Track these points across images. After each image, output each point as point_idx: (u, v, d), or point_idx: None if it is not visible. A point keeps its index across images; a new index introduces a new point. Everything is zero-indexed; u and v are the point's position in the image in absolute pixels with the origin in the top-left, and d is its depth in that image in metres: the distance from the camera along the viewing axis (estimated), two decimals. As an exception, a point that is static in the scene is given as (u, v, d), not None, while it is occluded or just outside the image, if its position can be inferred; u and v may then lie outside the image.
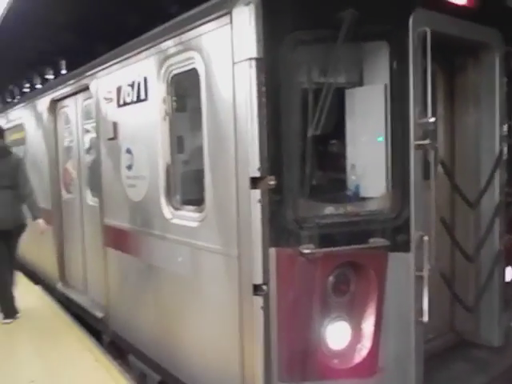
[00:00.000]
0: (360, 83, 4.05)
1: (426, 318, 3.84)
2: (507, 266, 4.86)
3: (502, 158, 4.60)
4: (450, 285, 4.33)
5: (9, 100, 18.47)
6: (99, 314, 6.26)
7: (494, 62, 4.52)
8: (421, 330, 3.93)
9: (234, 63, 3.57)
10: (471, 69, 4.67)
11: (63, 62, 12.89)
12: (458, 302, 4.48)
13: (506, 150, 4.66)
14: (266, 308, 3.53)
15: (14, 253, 7.07)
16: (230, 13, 3.58)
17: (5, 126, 10.89)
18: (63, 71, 12.93)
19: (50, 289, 8.23)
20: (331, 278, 3.71)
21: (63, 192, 7.76)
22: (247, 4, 3.42)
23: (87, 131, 6.89)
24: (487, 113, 4.60)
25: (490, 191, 4.55)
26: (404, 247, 3.85)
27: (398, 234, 3.83)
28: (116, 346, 5.93)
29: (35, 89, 15.37)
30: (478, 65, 4.62)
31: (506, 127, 4.70)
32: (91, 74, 6.08)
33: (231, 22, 3.57)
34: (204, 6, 4.22)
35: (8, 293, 6.87)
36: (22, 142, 9.61)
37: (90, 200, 6.76)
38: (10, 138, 10.83)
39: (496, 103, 4.55)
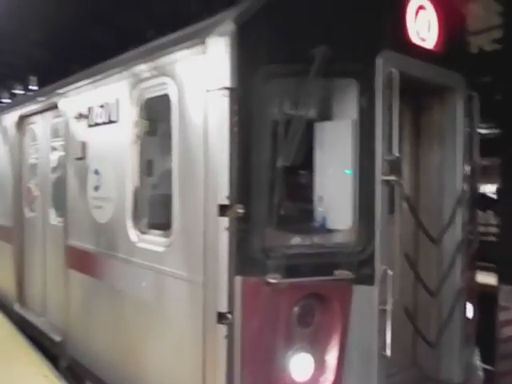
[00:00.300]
0: (329, 117, 4.15)
1: (388, 352, 3.86)
2: (468, 302, 4.96)
3: (465, 196, 4.74)
4: (413, 319, 4.37)
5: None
6: (57, 338, 6.06)
7: (457, 104, 4.70)
8: (383, 364, 3.95)
9: (207, 91, 3.60)
10: (436, 109, 4.84)
11: (34, 79, 12.74)
12: (421, 337, 4.53)
13: (468, 188, 4.80)
14: (229, 337, 3.50)
15: None
16: (204, 42, 3.63)
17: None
18: (33, 87, 12.76)
19: (6, 310, 7.92)
20: (296, 309, 3.72)
21: (26, 210, 7.56)
22: (222, 35, 3.48)
23: (54, 149, 6.78)
24: (450, 152, 4.76)
25: (452, 228, 4.66)
26: (368, 280, 3.89)
27: (362, 267, 3.88)
28: (73, 371, 5.73)
29: (2, 103, 15.09)
30: (443, 106, 4.80)
31: (468, 166, 4.86)
32: (61, 93, 6.02)
33: (205, 51, 3.62)
34: (179, 33, 4.29)
35: None
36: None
37: (54, 220, 6.61)
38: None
39: (459, 143, 4.72)
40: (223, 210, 3.48)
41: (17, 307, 7.51)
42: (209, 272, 3.60)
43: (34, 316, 7.04)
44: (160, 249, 4.16)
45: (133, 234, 4.53)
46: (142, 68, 4.43)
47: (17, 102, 9.42)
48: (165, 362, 4.14)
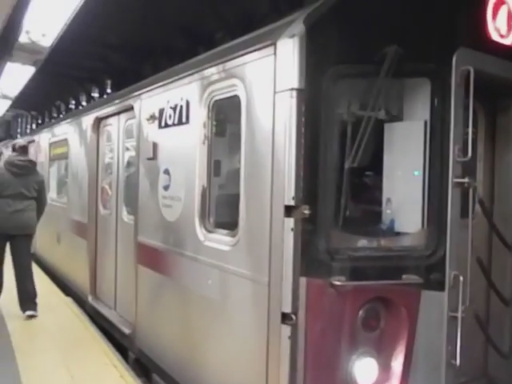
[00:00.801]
0: (400, 118, 4.05)
1: (458, 361, 3.73)
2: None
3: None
4: (485, 328, 4.19)
5: (55, 115, 19.17)
6: (126, 331, 6.32)
7: None
8: (452, 373, 3.81)
9: (275, 92, 3.63)
10: (514, 110, 4.61)
11: (109, 82, 13.34)
12: (493, 347, 4.32)
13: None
14: (293, 338, 3.51)
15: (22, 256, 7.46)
16: (274, 44, 3.66)
17: (51, 140, 11.35)
18: (108, 90, 13.37)
19: (80, 301, 8.37)
20: (361, 312, 3.66)
21: (100, 207, 7.95)
22: (292, 36, 3.50)
23: (128, 150, 7.08)
24: (528, 154, 4.51)
25: (529, 233, 4.42)
26: (438, 286, 3.77)
27: (432, 272, 3.76)
28: (141, 363, 5.95)
29: (81, 106, 15.92)
30: None
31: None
32: (136, 95, 6.28)
33: (275, 53, 3.65)
34: (249, 36, 4.35)
35: None
36: (65, 155, 9.94)
37: (126, 217, 6.90)
38: (53, 151, 11.26)
39: (538, 145, 4.46)
40: (289, 210, 3.49)
41: (90, 300, 7.91)
42: (274, 272, 3.63)
43: (106, 309, 7.38)
44: (226, 248, 4.24)
45: (200, 233, 4.64)
46: (212, 71, 4.53)
47: (94, 104, 9.94)
48: (228, 360, 4.21)
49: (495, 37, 4.13)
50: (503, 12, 4.16)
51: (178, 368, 5.04)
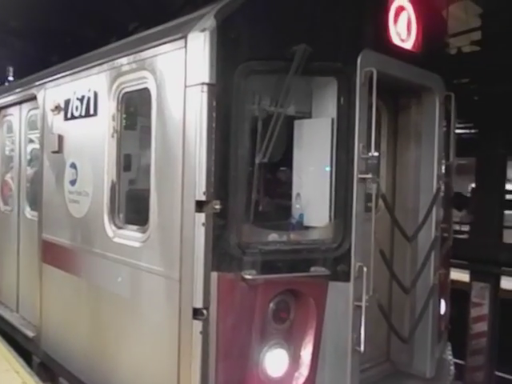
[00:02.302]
0: (309, 115, 4.17)
1: (362, 348, 3.92)
2: (441, 298, 5.06)
3: (440, 195, 4.82)
4: (387, 316, 4.44)
5: None
6: (30, 334, 5.98)
7: (434, 104, 4.78)
8: (357, 359, 4.01)
9: (186, 86, 3.59)
10: (414, 109, 4.92)
11: (11, 69, 12.48)
12: (394, 333, 4.60)
13: (443, 187, 4.89)
14: (205, 333, 3.51)
15: None
16: (185, 37, 3.61)
17: None
18: (10, 78, 12.52)
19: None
20: (272, 305, 3.74)
21: (0, 203, 7.43)
22: (203, 30, 3.47)
23: (31, 142, 6.67)
24: (427, 151, 4.83)
25: (427, 226, 4.74)
26: (344, 277, 3.94)
27: (338, 264, 3.92)
28: (46, 368, 5.66)
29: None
30: (420, 106, 4.87)
31: (444, 166, 4.94)
32: (39, 84, 5.92)
33: (186, 46, 3.61)
34: (161, 27, 4.26)
35: None
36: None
37: (29, 213, 6.51)
38: None
39: (435, 143, 4.80)
40: (200, 205, 3.48)
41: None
42: (185, 268, 3.60)
43: (7, 311, 6.93)
44: (136, 244, 4.14)
45: (109, 229, 4.49)
46: (122, 61, 4.38)
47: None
48: (140, 357, 4.13)
49: (396, 41, 4.38)
50: (403, 18, 4.42)
51: (87, 370, 4.85)
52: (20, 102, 6.74)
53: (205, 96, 3.45)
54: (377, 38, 4.19)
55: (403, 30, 4.42)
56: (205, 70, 3.45)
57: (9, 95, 7.01)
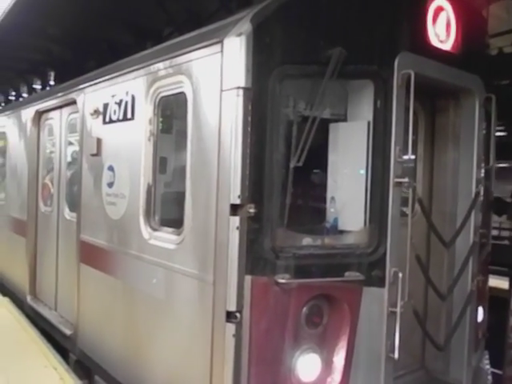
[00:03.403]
0: (344, 118, 4.14)
1: (396, 355, 3.86)
2: (479, 306, 4.93)
3: (478, 199, 4.70)
4: (422, 322, 4.36)
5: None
6: (67, 332, 6.13)
7: (474, 106, 4.66)
8: (391, 366, 3.94)
9: (222, 90, 3.62)
10: (452, 111, 4.81)
11: (52, 74, 12.87)
12: (429, 340, 4.50)
13: (482, 191, 4.76)
14: (238, 336, 3.52)
15: None
16: (221, 41, 3.65)
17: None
18: (51, 82, 12.90)
19: (19, 302, 8.04)
20: (305, 310, 3.72)
21: (41, 204, 7.66)
22: (239, 35, 3.49)
23: (70, 145, 6.85)
24: (465, 155, 4.72)
25: (465, 232, 4.62)
26: (378, 282, 3.89)
27: (373, 269, 3.87)
28: (82, 365, 5.79)
29: (21, 98, 15.28)
30: (459, 108, 4.76)
31: (483, 169, 4.81)
32: (79, 89, 6.08)
33: (222, 51, 3.64)
34: (197, 32, 4.31)
35: None
36: (2, 150, 9.50)
37: (68, 214, 6.69)
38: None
39: (474, 146, 4.68)
40: (235, 209, 3.49)
41: (29, 300, 7.61)
42: (219, 270, 3.62)
43: (46, 309, 7.12)
44: (171, 246, 4.19)
45: (145, 231, 4.56)
46: (159, 66, 4.46)
47: (35, 97, 9.54)
48: (174, 359, 4.17)
49: (435, 42, 4.30)
50: (442, 18, 4.34)
51: (121, 369, 4.94)
52: (60, 106, 6.93)
53: (240, 100, 3.47)
54: (415, 40, 4.12)
55: (442, 31, 4.34)
56: (241, 75, 3.47)
57: (50, 99, 7.22)
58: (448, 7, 4.37)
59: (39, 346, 6.23)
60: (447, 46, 4.40)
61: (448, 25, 4.39)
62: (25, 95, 15.11)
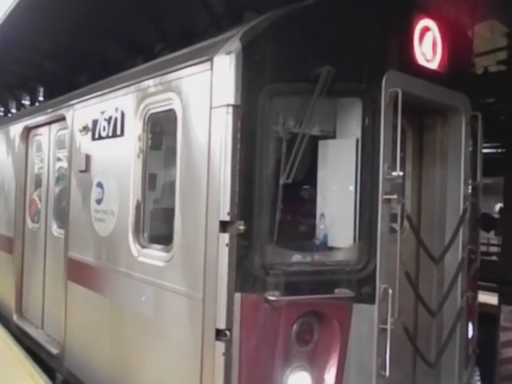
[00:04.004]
0: (333, 135, 4.17)
1: (387, 372, 3.84)
2: (469, 322, 4.93)
3: (466, 215, 4.74)
4: (413, 339, 4.35)
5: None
6: (54, 351, 6.03)
7: (460, 124, 4.73)
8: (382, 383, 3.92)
9: (211, 108, 3.64)
10: (439, 129, 4.87)
11: (41, 89, 12.84)
12: (420, 357, 4.49)
13: (469, 208, 4.80)
14: (227, 354, 3.48)
15: None
16: (211, 59, 3.67)
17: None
18: (40, 98, 12.87)
19: (4, 320, 7.90)
20: (295, 327, 3.70)
21: (28, 220, 7.58)
22: (228, 53, 3.52)
23: (59, 161, 6.82)
24: (453, 172, 4.77)
25: (453, 247, 4.65)
26: (368, 299, 3.88)
27: (363, 286, 3.87)
28: (69, 385, 5.69)
29: (10, 113, 15.22)
30: (446, 126, 4.82)
31: (470, 186, 4.86)
32: (68, 105, 6.07)
33: (212, 69, 3.66)
34: (186, 50, 4.34)
35: None
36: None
37: (56, 231, 6.62)
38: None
39: (461, 163, 4.73)
40: (224, 226, 3.49)
41: (15, 318, 7.48)
42: (208, 288, 3.59)
43: (32, 328, 7.01)
44: (160, 263, 4.16)
45: (134, 248, 4.53)
46: (149, 83, 4.47)
47: (23, 112, 9.50)
48: (163, 377, 4.11)
49: (422, 61, 4.37)
50: (429, 38, 4.42)
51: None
52: (49, 122, 6.92)
53: (230, 117, 3.49)
54: (402, 59, 4.19)
55: (429, 50, 4.42)
56: (230, 92, 3.49)
57: (39, 115, 7.20)
58: (434, 27, 4.46)
59: (25, 366, 6.12)
60: (434, 64, 4.48)
61: (434, 44, 4.47)
62: (13, 111, 15.04)
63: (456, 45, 4.66)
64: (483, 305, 6.95)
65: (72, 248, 5.73)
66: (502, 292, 10.31)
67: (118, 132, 4.85)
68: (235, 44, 3.54)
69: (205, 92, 3.70)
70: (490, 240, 16.45)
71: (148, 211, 4.66)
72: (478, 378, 5.29)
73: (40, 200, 7.25)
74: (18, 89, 14.41)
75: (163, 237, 4.29)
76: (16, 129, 7.96)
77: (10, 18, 8.20)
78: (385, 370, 3.83)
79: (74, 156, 5.75)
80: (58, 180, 6.81)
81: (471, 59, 5.29)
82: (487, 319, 7.83)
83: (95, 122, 5.30)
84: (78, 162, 5.59)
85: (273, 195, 3.66)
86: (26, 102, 14.36)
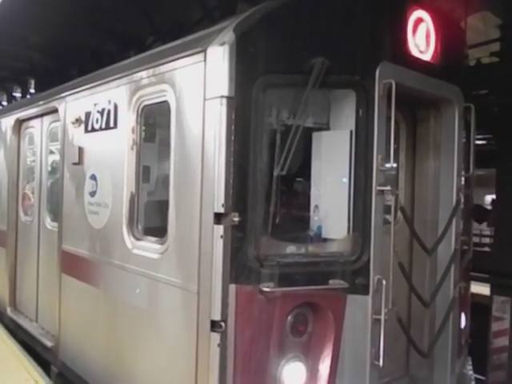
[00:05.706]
0: (327, 127, 4.18)
1: (381, 362, 3.87)
2: (461, 312, 4.98)
3: (459, 207, 4.76)
4: (406, 329, 4.39)
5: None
6: (49, 344, 6.03)
7: (454, 115, 4.74)
8: (376, 374, 3.96)
9: (205, 99, 3.62)
10: (433, 121, 4.89)
11: (32, 82, 12.74)
12: (413, 347, 4.53)
13: (462, 199, 4.83)
14: (223, 345, 3.50)
15: None
16: (204, 51, 3.66)
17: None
18: (32, 91, 12.77)
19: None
20: (289, 318, 3.72)
21: (21, 213, 7.55)
22: (222, 44, 3.51)
23: (52, 154, 6.78)
24: (446, 163, 4.79)
25: (446, 239, 4.68)
26: (362, 290, 3.91)
27: (357, 277, 3.89)
28: (64, 378, 5.69)
29: (1, 106, 15.09)
30: (439, 117, 4.84)
31: (463, 177, 4.89)
32: (61, 97, 6.03)
33: (205, 60, 3.65)
34: (180, 41, 4.31)
35: None
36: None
37: (49, 224, 6.60)
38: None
39: (455, 154, 4.75)
40: (219, 218, 3.49)
41: (9, 311, 7.47)
42: (203, 280, 3.60)
43: (26, 321, 7.00)
44: (155, 255, 4.16)
45: (128, 241, 4.53)
46: (142, 75, 4.44)
47: (15, 105, 9.43)
48: (158, 369, 4.13)
49: (415, 52, 4.37)
50: (422, 29, 4.42)
51: (104, 381, 4.86)
52: (41, 115, 6.86)
53: (224, 109, 3.48)
54: (395, 50, 4.19)
55: (422, 42, 4.42)
56: (224, 84, 3.48)
57: (31, 108, 7.15)
58: (427, 18, 4.46)
59: (19, 359, 6.12)
60: (427, 56, 4.48)
61: (428, 36, 4.47)
62: (4, 103, 14.93)
63: (449, 36, 4.67)
64: (476, 295, 7.02)
65: (66, 241, 5.72)
66: (494, 282, 10.40)
67: (111, 124, 4.83)
68: (229, 35, 3.52)
69: (198, 83, 3.68)
70: (483, 231, 16.58)
71: (142, 203, 4.65)
72: (471, 367, 5.36)
73: (33, 193, 7.22)
74: (8, 82, 14.29)
75: (157, 229, 4.29)
76: (8, 121, 7.89)
77: (0, 11, 8.11)
78: (378, 360, 3.87)
79: (67, 148, 5.71)
80: (50, 172, 6.77)
81: (464, 51, 5.30)
82: (479, 309, 7.90)
83: (88, 114, 5.27)
84: (70, 155, 5.56)
85: (267, 187, 3.66)
86: (17, 95, 14.25)
